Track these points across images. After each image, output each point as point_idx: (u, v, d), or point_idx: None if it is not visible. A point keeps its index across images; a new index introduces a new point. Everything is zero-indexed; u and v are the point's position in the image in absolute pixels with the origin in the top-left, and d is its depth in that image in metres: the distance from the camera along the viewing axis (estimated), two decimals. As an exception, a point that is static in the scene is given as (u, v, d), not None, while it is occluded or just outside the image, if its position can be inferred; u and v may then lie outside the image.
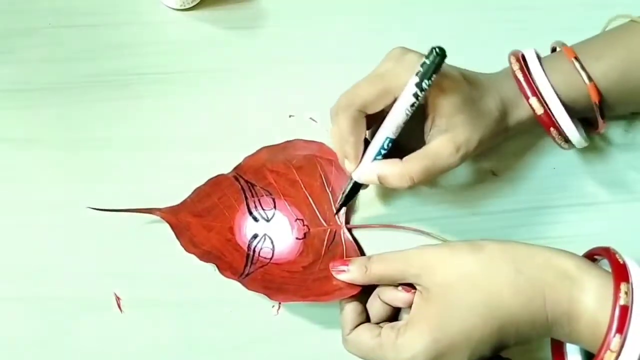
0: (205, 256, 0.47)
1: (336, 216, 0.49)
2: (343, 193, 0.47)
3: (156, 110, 0.52)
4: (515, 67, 0.46)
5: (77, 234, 0.49)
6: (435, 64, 0.41)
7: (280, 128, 0.52)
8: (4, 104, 0.52)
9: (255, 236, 0.49)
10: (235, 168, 0.50)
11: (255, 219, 0.49)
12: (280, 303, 0.48)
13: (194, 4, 0.53)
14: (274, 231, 0.49)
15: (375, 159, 0.45)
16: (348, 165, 0.46)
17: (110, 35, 0.53)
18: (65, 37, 0.54)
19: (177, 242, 0.48)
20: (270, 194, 0.50)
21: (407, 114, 0.43)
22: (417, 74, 0.41)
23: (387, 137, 0.44)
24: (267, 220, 0.49)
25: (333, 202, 0.49)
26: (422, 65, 0.41)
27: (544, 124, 0.46)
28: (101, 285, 0.48)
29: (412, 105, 0.42)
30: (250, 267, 0.48)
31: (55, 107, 0.52)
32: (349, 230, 0.49)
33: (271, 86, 0.53)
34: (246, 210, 0.50)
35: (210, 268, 0.48)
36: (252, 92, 0.52)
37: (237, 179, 0.50)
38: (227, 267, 0.47)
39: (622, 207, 0.51)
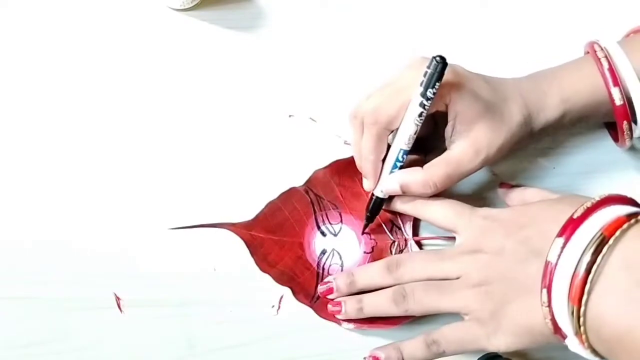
0: (280, 278, 0.48)
1: (403, 229, 0.49)
2: (367, 211, 0.47)
3: (155, 110, 0.52)
4: (601, 54, 0.45)
5: (77, 234, 0.49)
6: (437, 71, 0.41)
7: (280, 128, 0.52)
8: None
9: (323, 252, 0.49)
10: (307, 181, 0.50)
11: (323, 234, 0.49)
12: (280, 302, 0.48)
13: (194, 4, 0.53)
14: (341, 246, 0.49)
15: (391, 172, 0.45)
16: (366, 184, 0.47)
17: (110, 35, 0.53)
18: (65, 37, 0.54)
19: (177, 242, 0.48)
20: (337, 208, 0.50)
21: (416, 124, 0.43)
22: (420, 84, 0.42)
23: (401, 149, 0.45)
24: (335, 235, 0.49)
25: (398, 215, 0.49)
26: (424, 75, 0.42)
27: (618, 116, 0.45)
28: (101, 285, 0.48)
29: (420, 115, 0.43)
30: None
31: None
32: (417, 242, 0.49)
33: (271, 86, 0.53)
34: (315, 224, 0.49)
35: (210, 268, 0.49)
36: (252, 92, 0.52)
37: (307, 192, 0.50)
38: (300, 290, 0.47)
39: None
